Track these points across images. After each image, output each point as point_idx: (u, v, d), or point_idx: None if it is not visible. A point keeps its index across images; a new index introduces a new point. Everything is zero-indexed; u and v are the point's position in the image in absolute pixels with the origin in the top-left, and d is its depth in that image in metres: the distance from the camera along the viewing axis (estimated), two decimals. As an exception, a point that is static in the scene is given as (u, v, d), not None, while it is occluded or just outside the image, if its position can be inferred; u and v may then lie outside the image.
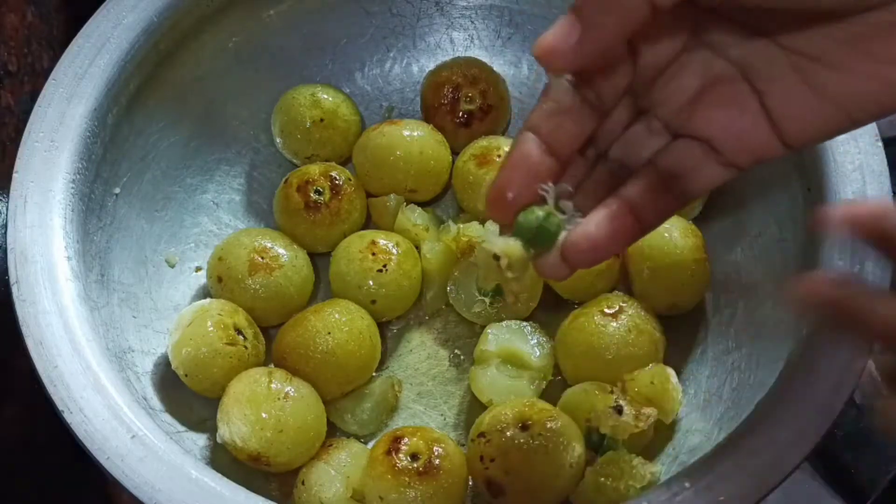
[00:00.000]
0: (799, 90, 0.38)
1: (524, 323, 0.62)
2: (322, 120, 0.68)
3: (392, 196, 0.67)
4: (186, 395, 0.59)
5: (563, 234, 0.40)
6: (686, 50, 0.40)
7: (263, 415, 0.55)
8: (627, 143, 0.43)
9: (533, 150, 0.40)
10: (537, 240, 0.40)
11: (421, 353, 0.65)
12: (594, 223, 0.39)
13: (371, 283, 0.62)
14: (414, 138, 0.66)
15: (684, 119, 0.40)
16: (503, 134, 0.72)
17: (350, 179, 0.66)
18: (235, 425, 0.55)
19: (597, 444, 0.56)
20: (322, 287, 0.67)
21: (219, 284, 0.63)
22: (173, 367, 0.59)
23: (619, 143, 0.43)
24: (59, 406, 0.49)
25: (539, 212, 0.40)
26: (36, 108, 0.58)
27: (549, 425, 0.54)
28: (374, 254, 0.63)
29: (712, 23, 0.39)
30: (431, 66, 0.73)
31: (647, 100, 0.42)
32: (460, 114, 0.69)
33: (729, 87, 0.39)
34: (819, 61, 0.37)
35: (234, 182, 0.70)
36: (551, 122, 0.40)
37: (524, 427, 0.54)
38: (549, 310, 0.64)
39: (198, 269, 0.67)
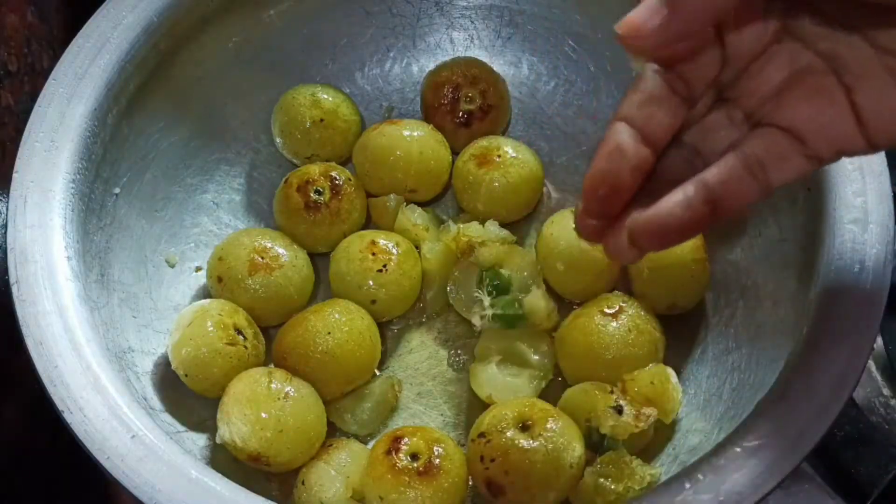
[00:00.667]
0: (890, 89, 0.37)
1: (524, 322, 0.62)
2: (322, 120, 0.68)
3: (392, 196, 0.67)
4: (186, 395, 0.59)
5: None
6: (775, 41, 0.40)
7: (263, 415, 0.55)
8: (705, 130, 0.42)
9: (628, 140, 0.39)
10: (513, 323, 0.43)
11: (421, 353, 0.65)
12: (668, 209, 0.38)
13: (371, 283, 0.62)
14: (414, 138, 0.66)
15: (769, 109, 0.40)
16: (503, 134, 0.72)
17: (350, 179, 0.66)
18: (235, 425, 0.55)
19: (597, 444, 0.56)
20: (322, 287, 0.67)
21: (219, 284, 0.63)
22: (173, 367, 0.59)
23: (695, 129, 0.42)
24: (59, 406, 0.49)
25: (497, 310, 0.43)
26: (36, 108, 0.58)
27: (549, 425, 0.54)
28: (374, 254, 0.63)
29: (802, 14, 0.39)
30: (431, 66, 0.73)
31: (731, 90, 0.41)
32: (460, 114, 0.69)
33: (817, 80, 0.39)
34: None
35: (234, 182, 0.71)
36: (644, 112, 0.39)
37: (524, 427, 0.54)
38: (549, 310, 0.64)
39: (198, 269, 0.67)
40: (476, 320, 0.62)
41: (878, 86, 0.37)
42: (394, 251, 0.63)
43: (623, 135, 0.39)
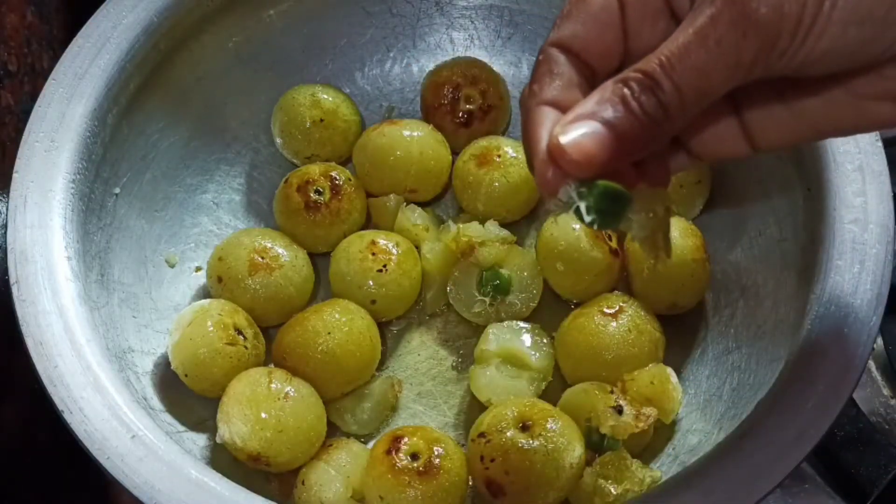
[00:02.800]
0: (774, 104, 0.40)
1: (524, 323, 0.62)
2: (322, 120, 0.68)
3: (392, 196, 0.67)
4: (186, 395, 0.59)
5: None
6: None
7: (263, 415, 0.55)
8: None
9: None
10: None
11: (421, 353, 0.65)
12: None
13: (371, 283, 0.62)
14: (414, 138, 0.66)
15: None
16: (503, 134, 0.72)
17: (350, 179, 0.66)
18: (235, 425, 0.55)
19: (597, 444, 0.56)
20: (322, 287, 0.67)
21: (219, 284, 0.63)
22: (173, 367, 0.59)
23: None
24: (59, 406, 0.49)
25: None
26: (36, 108, 0.58)
27: (549, 425, 0.54)
28: (374, 254, 0.63)
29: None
30: (431, 66, 0.73)
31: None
32: (460, 114, 0.69)
33: None
34: (798, 85, 0.39)
35: (234, 182, 0.71)
36: (570, 96, 0.39)
37: (524, 427, 0.54)
38: (549, 310, 0.64)
39: (198, 269, 0.67)
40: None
41: (764, 100, 0.39)
42: (394, 251, 0.63)
43: (552, 120, 0.39)
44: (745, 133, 0.41)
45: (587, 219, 0.38)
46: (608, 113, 0.36)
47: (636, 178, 0.40)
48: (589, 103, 0.37)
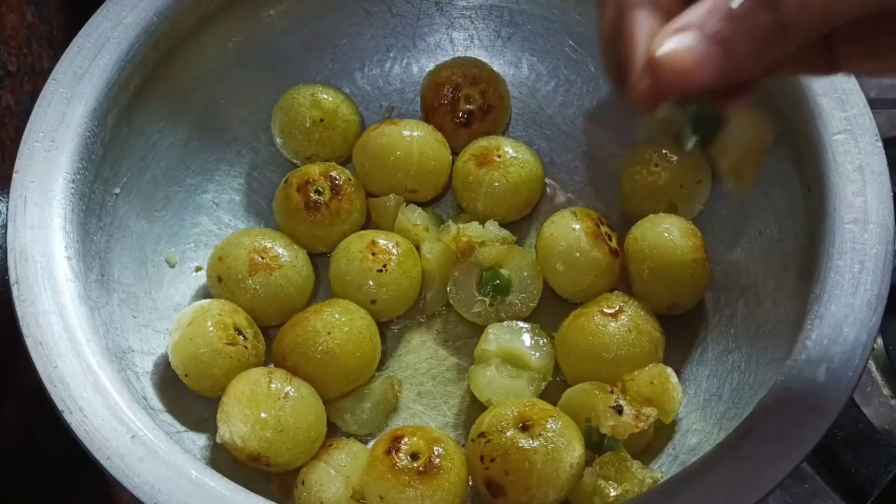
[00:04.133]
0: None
1: (524, 323, 0.62)
2: (322, 120, 0.68)
3: (392, 196, 0.67)
4: (186, 395, 0.59)
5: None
6: None
7: (263, 415, 0.55)
8: None
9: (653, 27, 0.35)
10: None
11: (421, 353, 0.65)
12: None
13: (371, 283, 0.62)
14: (414, 138, 0.66)
15: None
16: (503, 134, 0.72)
17: (350, 179, 0.66)
18: (235, 425, 0.55)
19: (597, 444, 0.56)
20: (322, 287, 0.67)
21: (219, 284, 0.63)
22: (173, 367, 0.59)
23: None
24: (59, 406, 0.49)
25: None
26: (36, 108, 0.58)
27: (549, 425, 0.54)
28: (374, 254, 0.63)
29: None
30: (431, 66, 0.73)
31: None
32: (460, 114, 0.69)
33: None
34: None
35: (234, 182, 0.71)
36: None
37: (524, 427, 0.54)
38: (549, 310, 0.64)
39: (198, 269, 0.67)
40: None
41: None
42: (394, 251, 0.63)
43: (649, 24, 0.35)
44: (829, 56, 0.37)
45: (690, 140, 0.35)
46: (719, 27, 0.32)
47: (724, 100, 0.36)
48: (697, 12, 0.33)
